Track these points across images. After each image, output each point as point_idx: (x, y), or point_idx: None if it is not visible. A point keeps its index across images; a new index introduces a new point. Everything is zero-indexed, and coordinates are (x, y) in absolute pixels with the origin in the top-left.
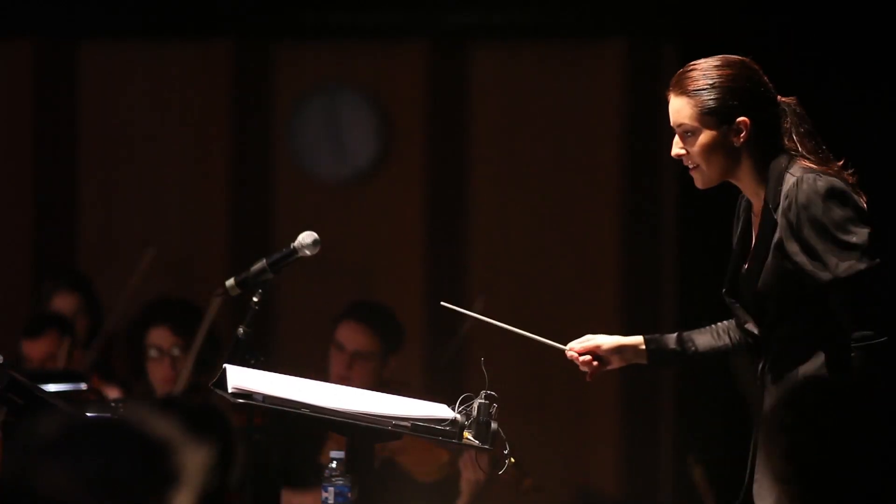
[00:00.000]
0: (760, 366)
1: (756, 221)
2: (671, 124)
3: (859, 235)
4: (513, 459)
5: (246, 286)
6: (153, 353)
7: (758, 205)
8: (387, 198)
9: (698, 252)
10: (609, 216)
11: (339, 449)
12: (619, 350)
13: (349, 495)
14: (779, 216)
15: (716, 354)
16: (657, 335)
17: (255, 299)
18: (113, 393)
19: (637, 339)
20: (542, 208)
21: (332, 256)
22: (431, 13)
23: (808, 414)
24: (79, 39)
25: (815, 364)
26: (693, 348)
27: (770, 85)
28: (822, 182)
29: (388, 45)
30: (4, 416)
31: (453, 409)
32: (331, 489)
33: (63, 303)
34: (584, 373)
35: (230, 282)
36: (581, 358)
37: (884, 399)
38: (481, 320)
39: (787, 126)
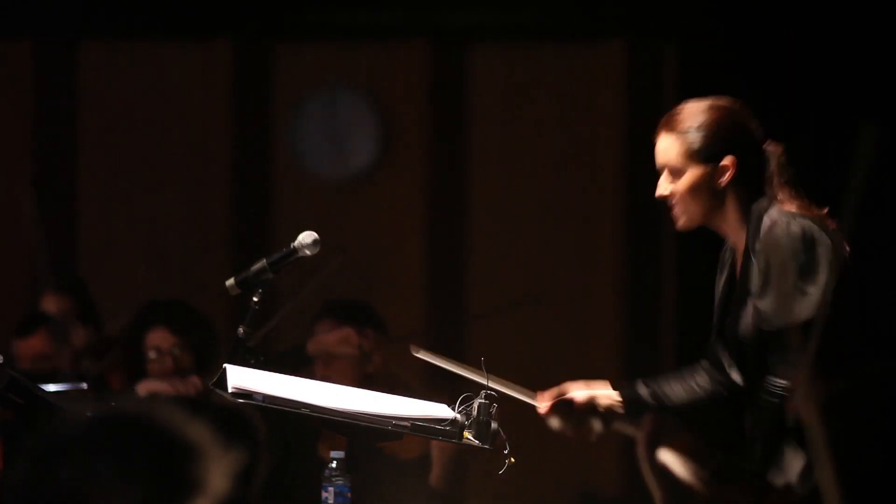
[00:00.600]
0: (747, 419)
1: (740, 259)
2: (657, 165)
3: (817, 286)
4: (513, 459)
5: (246, 286)
6: (152, 354)
7: (741, 247)
8: (387, 198)
9: (698, 252)
10: (609, 216)
11: (335, 449)
12: (594, 402)
13: (349, 495)
14: (754, 258)
15: (691, 406)
16: (628, 383)
17: (255, 299)
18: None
19: (609, 392)
20: (542, 208)
21: (332, 256)
22: (431, 13)
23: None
24: (79, 39)
25: None
26: (668, 401)
27: (758, 129)
28: (796, 226)
29: (388, 45)
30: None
31: (453, 409)
32: (331, 489)
33: (50, 305)
34: (581, 371)
35: (230, 282)
36: (549, 407)
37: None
38: (452, 370)
39: (771, 172)
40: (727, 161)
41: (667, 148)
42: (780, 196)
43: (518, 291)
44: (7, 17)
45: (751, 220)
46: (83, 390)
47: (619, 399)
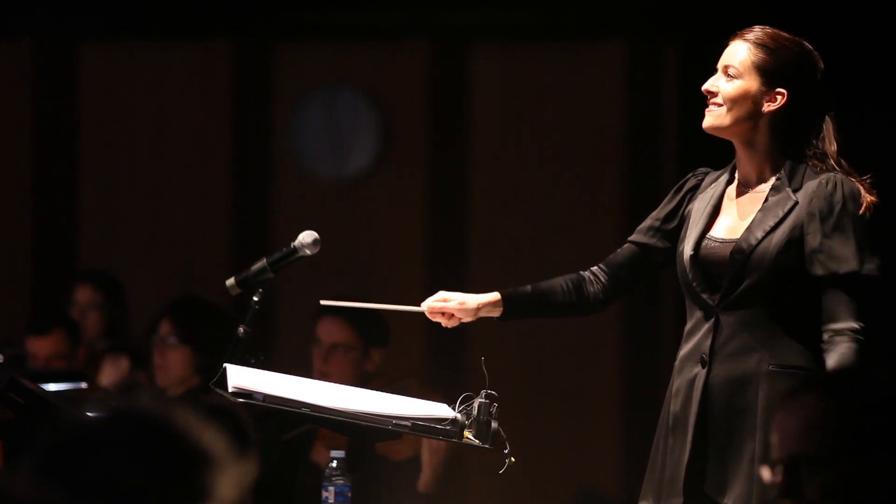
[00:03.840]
0: (706, 342)
1: (745, 197)
2: (719, 64)
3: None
4: (513, 459)
5: (246, 285)
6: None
7: (752, 177)
8: (387, 198)
9: None
10: (609, 216)
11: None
12: (470, 306)
13: (349, 495)
14: (802, 197)
15: (563, 312)
16: (515, 292)
17: (255, 298)
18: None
19: (494, 296)
20: (542, 208)
21: (333, 256)
22: (431, 13)
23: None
24: (79, 39)
25: (797, 355)
26: (547, 307)
27: (825, 89)
28: (860, 188)
29: (388, 45)
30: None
31: (453, 409)
32: (331, 489)
33: (82, 295)
34: (581, 371)
35: (230, 281)
36: (433, 309)
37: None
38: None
39: (823, 136)
40: (781, 91)
41: (738, 51)
42: (820, 159)
43: None
44: (7, 17)
45: (786, 162)
46: (83, 390)
47: (498, 296)
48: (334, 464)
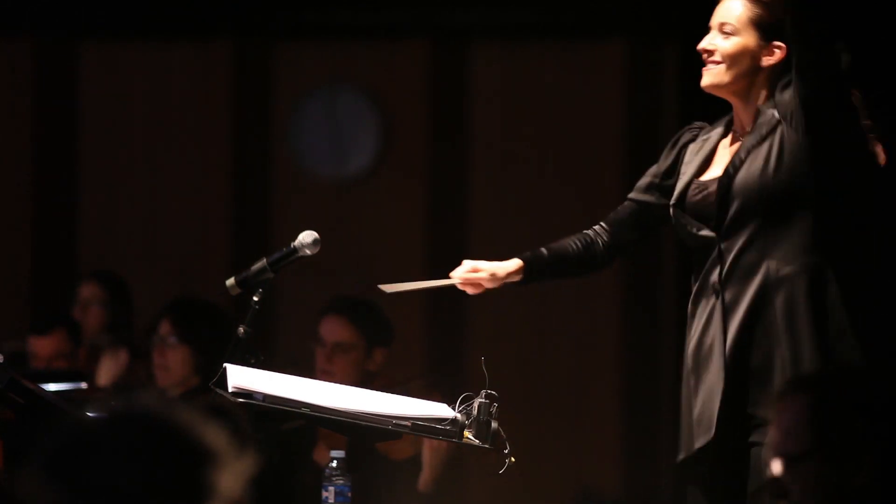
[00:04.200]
0: (714, 273)
1: (736, 142)
2: (712, 22)
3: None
4: (513, 459)
5: (246, 285)
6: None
7: (748, 125)
8: (387, 198)
9: None
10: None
11: (335, 449)
12: (500, 275)
13: (349, 495)
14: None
15: (577, 270)
16: (534, 256)
17: (255, 298)
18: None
19: (517, 264)
20: (542, 208)
21: (333, 256)
22: (431, 13)
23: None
24: (79, 39)
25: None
26: (563, 267)
27: None
28: None
29: (388, 45)
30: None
31: (453, 409)
32: (331, 489)
33: (87, 291)
34: (581, 370)
35: (230, 281)
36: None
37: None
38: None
39: None
40: (779, 45)
41: (732, 7)
42: None
43: (518, 290)
44: (7, 17)
45: (756, 119)
46: (83, 390)
47: (520, 262)
48: (334, 464)
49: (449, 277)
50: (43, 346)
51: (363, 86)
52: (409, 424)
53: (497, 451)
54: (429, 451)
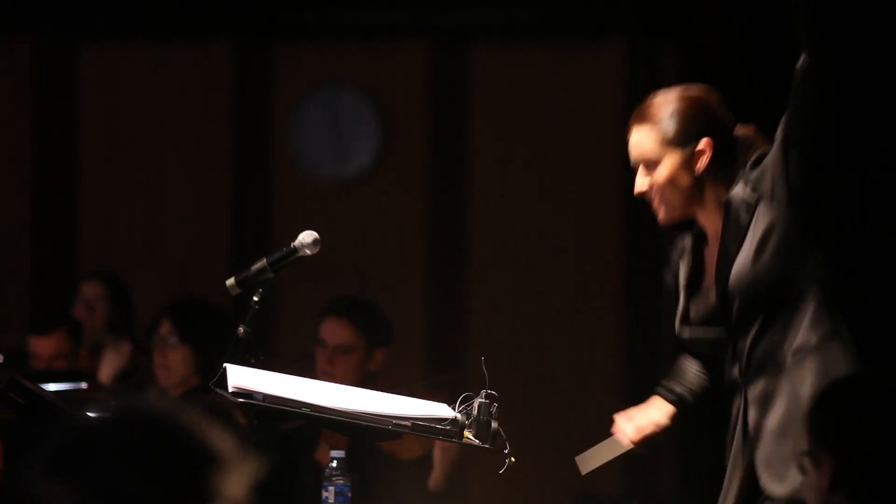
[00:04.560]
0: (734, 370)
1: (715, 243)
2: (632, 162)
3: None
4: (513, 459)
5: (246, 285)
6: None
7: (717, 226)
8: (387, 198)
9: None
10: (609, 215)
11: (335, 449)
12: (663, 423)
13: (349, 495)
14: (750, 187)
15: (703, 393)
16: (671, 390)
17: (255, 298)
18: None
19: (667, 408)
20: (542, 208)
21: (333, 256)
22: (431, 13)
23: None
24: (79, 39)
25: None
26: (696, 393)
27: (728, 114)
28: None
29: (388, 45)
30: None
31: (454, 409)
32: (331, 489)
33: (89, 290)
34: (581, 371)
35: (230, 281)
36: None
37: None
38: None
39: (749, 141)
40: (703, 144)
41: (641, 140)
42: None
43: (518, 290)
44: (7, 17)
45: (729, 210)
46: (83, 390)
47: (673, 409)
48: (334, 464)
49: (622, 443)
50: (43, 346)
51: (363, 86)
52: (409, 424)
53: (497, 451)
54: (440, 452)
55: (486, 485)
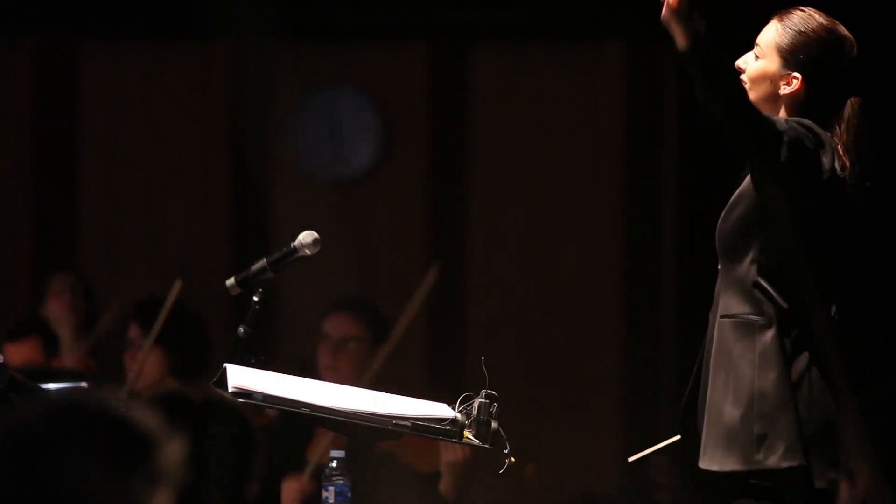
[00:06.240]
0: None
1: None
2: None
3: (789, 133)
4: (513, 459)
5: (246, 285)
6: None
7: None
8: (387, 198)
9: (699, 252)
10: (609, 215)
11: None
12: None
13: (349, 495)
14: None
15: None
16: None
17: (255, 298)
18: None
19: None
20: (542, 208)
21: (333, 256)
22: (431, 13)
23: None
24: (79, 39)
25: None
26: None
27: (847, 78)
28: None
29: (388, 45)
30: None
31: (454, 409)
32: (331, 489)
33: (63, 280)
34: (583, 373)
35: (230, 281)
36: None
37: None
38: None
39: (839, 121)
40: (796, 76)
41: (767, 31)
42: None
43: (518, 291)
44: (7, 17)
45: None
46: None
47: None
48: (334, 464)
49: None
50: (15, 353)
51: (363, 86)
52: (409, 424)
53: (497, 451)
54: (447, 467)
55: (486, 485)
